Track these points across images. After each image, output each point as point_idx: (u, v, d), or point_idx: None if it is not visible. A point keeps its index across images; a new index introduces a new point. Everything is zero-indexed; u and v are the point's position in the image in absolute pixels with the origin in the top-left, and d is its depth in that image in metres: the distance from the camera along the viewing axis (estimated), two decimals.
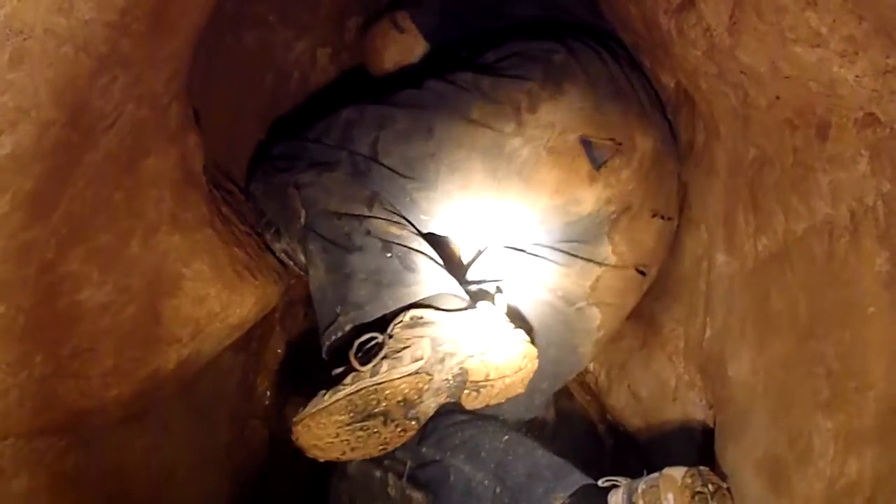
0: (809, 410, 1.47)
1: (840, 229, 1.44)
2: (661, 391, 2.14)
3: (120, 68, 1.43)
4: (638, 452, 2.38)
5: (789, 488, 1.50)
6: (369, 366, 1.68)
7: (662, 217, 2.09)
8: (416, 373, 1.69)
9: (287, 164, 2.14)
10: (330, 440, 1.69)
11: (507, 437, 1.97)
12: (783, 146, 1.55)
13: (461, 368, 1.74)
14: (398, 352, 1.72)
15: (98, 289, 1.62)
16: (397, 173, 2.00)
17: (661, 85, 2.20)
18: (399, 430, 1.74)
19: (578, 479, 1.80)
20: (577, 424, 2.74)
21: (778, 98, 1.50)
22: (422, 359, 1.70)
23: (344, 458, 1.75)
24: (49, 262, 1.51)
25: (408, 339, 1.74)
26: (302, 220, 2.01)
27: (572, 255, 2.06)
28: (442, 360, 1.72)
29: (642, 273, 2.11)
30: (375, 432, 1.71)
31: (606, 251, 2.05)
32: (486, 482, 1.88)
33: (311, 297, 2.03)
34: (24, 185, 1.38)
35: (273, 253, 2.21)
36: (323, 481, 2.71)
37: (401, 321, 1.77)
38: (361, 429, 1.70)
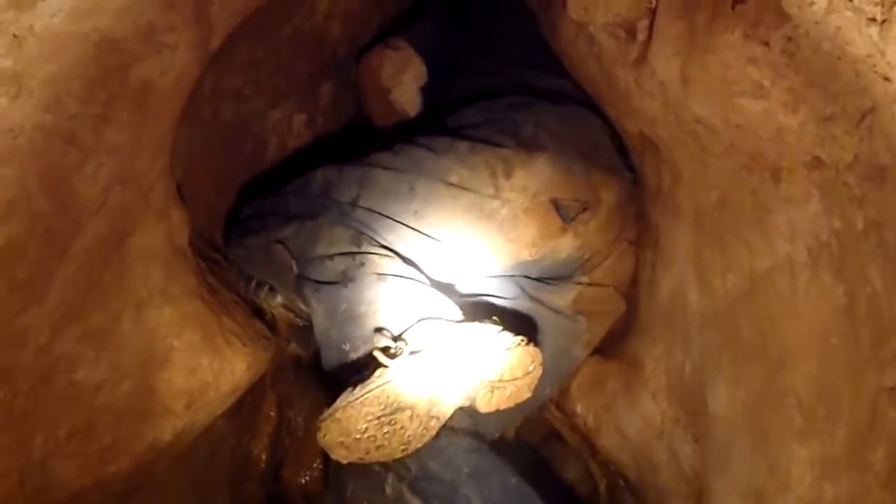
0: (785, 440, 1.53)
1: (800, 266, 1.51)
2: (648, 429, 2.19)
3: (105, 155, 1.50)
4: (630, 489, 2.42)
5: None
6: (395, 361, 1.76)
7: (629, 242, 2.35)
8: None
9: (261, 223, 2.21)
10: (357, 436, 1.73)
11: (514, 479, 2.08)
12: (741, 189, 1.63)
13: (478, 368, 1.80)
14: (418, 352, 1.79)
15: (93, 368, 1.67)
16: (381, 215, 2.11)
17: (626, 132, 2.30)
18: (422, 427, 1.79)
19: None
20: (572, 466, 2.78)
21: (732, 145, 1.58)
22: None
23: (367, 458, 1.78)
24: (44, 344, 1.56)
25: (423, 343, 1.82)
26: (294, 269, 2.09)
27: (553, 282, 2.27)
28: (457, 362, 1.78)
29: (617, 289, 2.36)
30: (401, 428, 1.76)
31: (581, 279, 2.29)
32: None
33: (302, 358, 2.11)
34: (17, 272, 1.44)
35: (262, 316, 2.25)
36: None
37: (414, 329, 1.86)
38: (389, 423, 1.74)
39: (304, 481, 2.77)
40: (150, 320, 1.77)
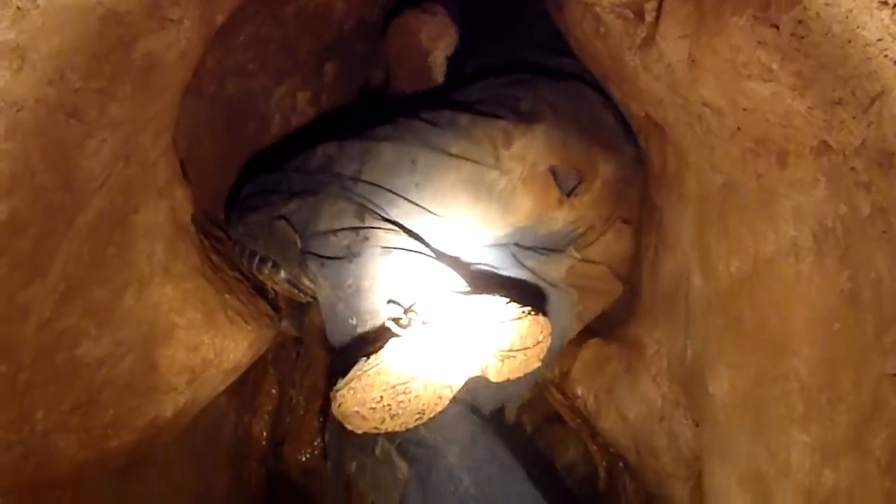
0: (786, 425, 1.53)
1: (805, 251, 1.51)
2: (648, 412, 2.19)
3: (109, 131, 1.49)
4: (629, 472, 2.43)
5: (770, 502, 1.55)
6: (408, 331, 1.77)
7: (625, 221, 2.38)
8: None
9: (263, 200, 2.22)
10: (372, 405, 1.74)
11: (505, 459, 2.12)
12: (747, 173, 1.62)
13: (488, 337, 1.80)
14: (430, 323, 1.80)
15: (95, 343, 1.67)
16: (383, 188, 2.12)
17: (632, 114, 2.29)
18: (436, 396, 1.80)
19: None
20: (572, 448, 2.79)
21: (739, 129, 1.57)
22: None
23: (382, 427, 1.79)
24: (47, 319, 1.56)
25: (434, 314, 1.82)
26: (298, 244, 2.09)
27: (546, 252, 2.32)
28: (471, 327, 1.79)
29: (610, 268, 2.38)
30: (415, 397, 1.77)
31: (574, 254, 2.33)
32: (469, 488, 2.02)
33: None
34: (21, 247, 1.44)
35: (265, 294, 2.25)
36: None
37: (424, 300, 1.86)
38: (404, 392, 1.75)
39: (304, 459, 2.78)
40: (152, 297, 1.78)
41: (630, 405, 2.24)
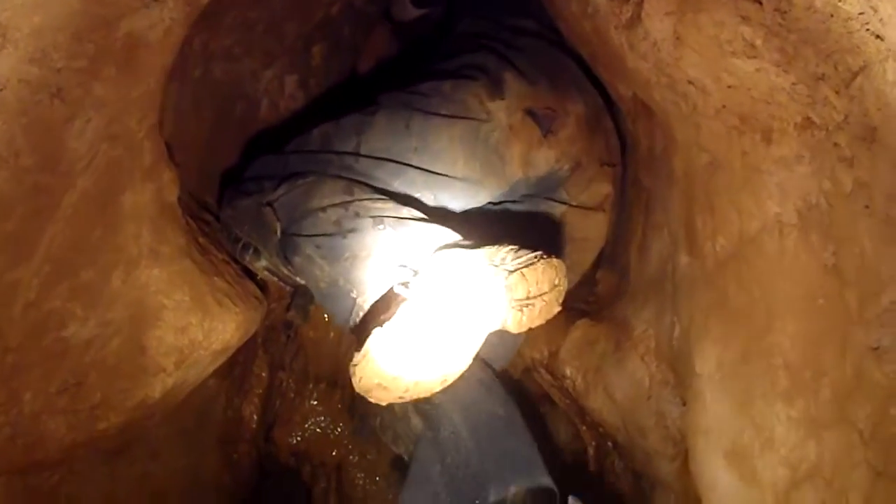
0: (771, 400, 1.54)
1: (789, 227, 1.52)
2: (636, 391, 2.20)
3: (93, 111, 1.49)
4: (618, 451, 2.45)
5: (756, 476, 1.56)
6: (420, 293, 1.74)
7: (610, 164, 2.44)
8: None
9: (256, 185, 2.21)
10: (394, 374, 1.71)
11: (505, 409, 2.19)
12: (732, 151, 1.62)
13: (502, 285, 1.78)
14: (440, 282, 1.77)
15: (82, 324, 1.67)
16: (384, 159, 2.16)
17: (620, 95, 2.30)
18: (457, 357, 1.78)
19: (541, 479, 1.99)
20: (561, 429, 2.81)
21: (724, 106, 1.57)
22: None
23: (406, 395, 1.77)
24: (33, 300, 1.56)
25: (443, 267, 1.80)
26: (278, 233, 2.08)
27: (539, 199, 2.39)
28: (483, 276, 1.77)
29: (602, 211, 2.45)
30: (435, 361, 1.75)
31: (564, 198, 2.39)
32: (467, 443, 2.09)
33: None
34: (5, 228, 1.43)
35: (253, 277, 2.26)
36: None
37: (431, 260, 1.85)
38: (425, 356, 1.72)
39: (294, 441, 2.79)
40: (139, 278, 1.77)
41: (618, 385, 2.25)
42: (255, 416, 2.67)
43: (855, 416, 1.36)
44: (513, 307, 1.79)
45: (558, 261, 1.83)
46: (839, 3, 1.14)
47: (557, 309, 1.88)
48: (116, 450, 1.98)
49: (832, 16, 1.17)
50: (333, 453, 2.82)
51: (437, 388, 1.81)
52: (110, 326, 1.72)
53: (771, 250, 1.58)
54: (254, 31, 2.57)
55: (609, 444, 2.48)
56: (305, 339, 2.80)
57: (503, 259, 1.79)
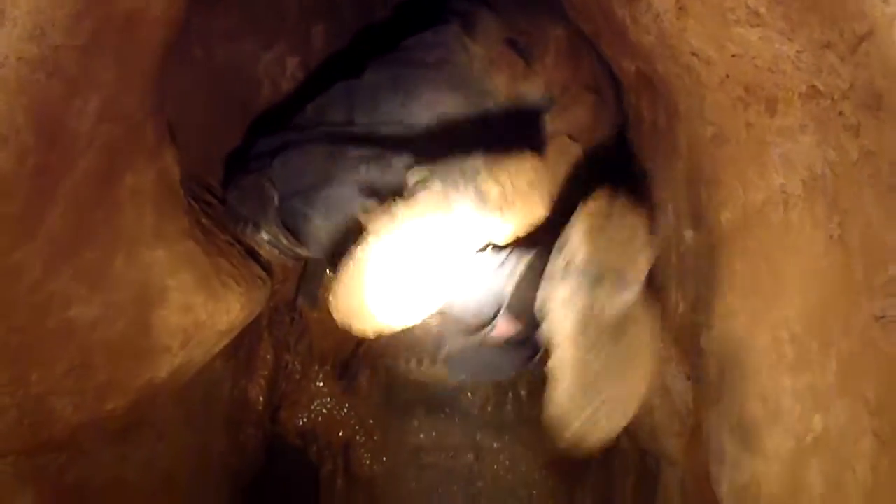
0: (777, 373, 1.54)
1: (794, 198, 1.50)
2: None
3: (92, 90, 1.48)
4: (624, 429, 2.44)
5: (762, 448, 1.56)
6: (387, 217, 1.74)
7: (592, 90, 2.43)
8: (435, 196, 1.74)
9: (257, 164, 2.24)
10: (369, 299, 1.70)
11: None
12: (737, 122, 1.61)
13: (476, 190, 1.78)
14: (412, 195, 1.77)
15: (87, 305, 1.67)
16: (377, 124, 2.18)
17: (623, 71, 2.28)
18: (434, 269, 1.76)
19: None
20: None
21: (728, 76, 1.55)
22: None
23: (389, 321, 1.75)
24: (37, 281, 1.56)
25: (415, 186, 1.80)
26: (276, 201, 2.12)
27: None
28: (456, 186, 1.77)
29: (574, 140, 2.37)
30: (414, 277, 1.73)
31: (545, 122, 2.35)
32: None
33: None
34: (7, 209, 1.43)
35: (258, 258, 2.26)
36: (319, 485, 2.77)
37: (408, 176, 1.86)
38: (400, 275, 1.71)
39: (301, 423, 2.81)
40: (143, 259, 1.77)
41: None
42: (261, 398, 2.68)
43: (861, 386, 1.36)
44: (489, 210, 1.76)
45: (533, 158, 1.82)
46: None
47: (542, 210, 1.85)
48: (124, 431, 1.98)
49: None
50: (340, 434, 2.83)
51: (424, 312, 1.78)
52: (115, 307, 1.72)
53: (776, 222, 1.56)
54: (254, 12, 2.56)
55: None
56: (310, 321, 2.81)
57: (474, 167, 1.77)
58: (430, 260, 1.73)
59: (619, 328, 1.71)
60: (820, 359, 1.45)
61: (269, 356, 2.68)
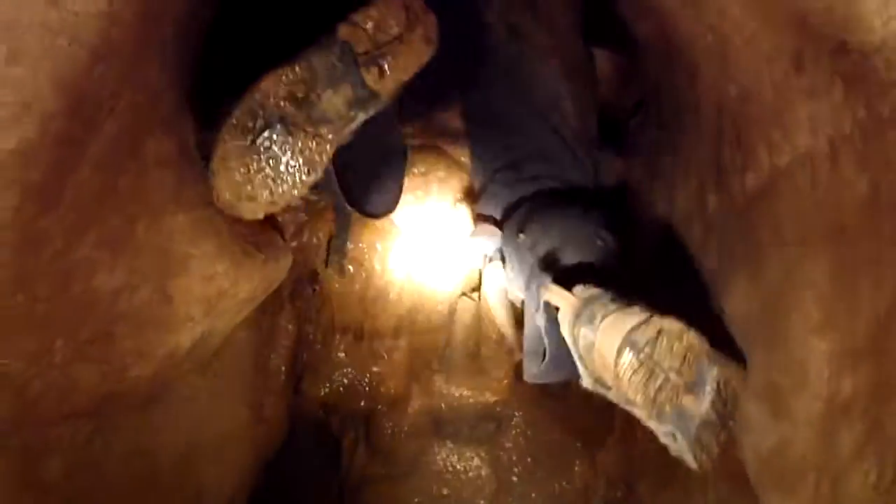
0: (803, 335, 1.52)
1: (821, 158, 1.48)
2: None
3: (113, 57, 1.47)
4: None
5: (789, 412, 1.55)
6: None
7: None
8: (287, 65, 1.57)
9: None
10: (244, 176, 1.60)
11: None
12: (762, 81, 1.58)
13: (339, 41, 1.61)
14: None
15: (110, 273, 1.67)
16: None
17: (642, 34, 2.25)
18: (314, 138, 1.62)
19: None
20: (585, 396, 2.81)
21: (754, 35, 1.53)
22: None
23: (275, 199, 1.65)
24: (61, 249, 1.56)
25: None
26: None
27: None
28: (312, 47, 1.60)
29: None
30: (288, 146, 1.60)
31: None
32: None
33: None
34: (31, 177, 1.43)
35: (280, 225, 2.25)
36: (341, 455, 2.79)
37: None
38: (267, 145, 1.58)
39: (323, 393, 2.82)
40: (164, 227, 1.77)
41: None
42: (283, 369, 2.70)
43: (890, 345, 1.34)
44: (361, 63, 1.61)
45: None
46: None
47: (426, 55, 1.70)
48: (148, 400, 1.99)
49: None
50: (362, 404, 2.85)
51: (305, 183, 1.65)
52: (138, 275, 1.72)
53: (803, 183, 1.54)
54: None
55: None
56: (331, 292, 2.82)
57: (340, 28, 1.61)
58: (297, 111, 1.61)
59: None
60: (848, 319, 1.44)
61: (290, 327, 2.69)
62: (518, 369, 2.92)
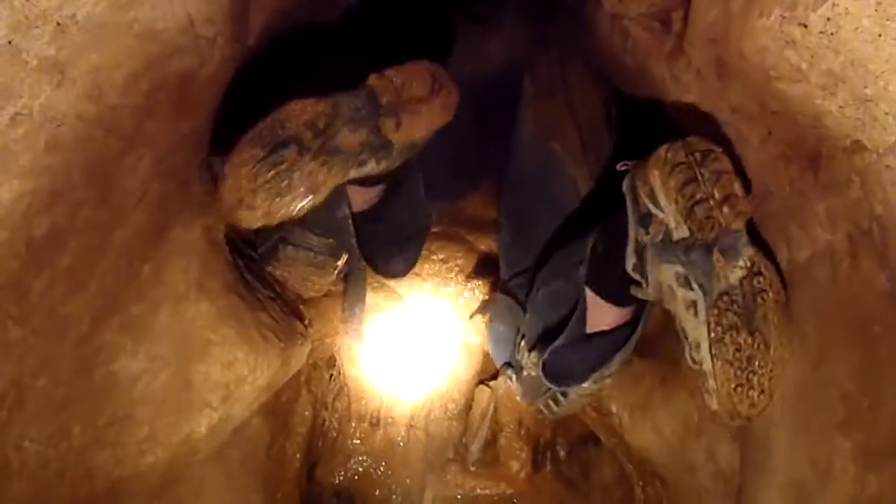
0: (827, 432, 1.50)
1: (840, 254, 1.49)
2: (685, 427, 2.16)
3: (145, 147, 1.52)
4: (667, 491, 2.39)
5: None
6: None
7: None
8: (315, 98, 1.63)
9: None
10: (250, 186, 1.60)
11: None
12: (779, 178, 1.61)
13: (368, 87, 1.67)
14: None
15: (132, 358, 1.69)
16: None
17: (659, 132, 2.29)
18: (323, 165, 1.64)
19: None
20: (607, 468, 2.77)
21: (770, 133, 1.56)
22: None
23: (272, 211, 1.63)
24: (85, 334, 1.59)
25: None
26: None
27: None
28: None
29: None
30: (297, 165, 1.61)
31: None
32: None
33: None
34: (60, 262, 1.46)
35: (299, 314, 2.27)
36: None
37: None
38: (279, 161, 1.59)
39: (337, 481, 2.79)
40: (187, 313, 1.79)
41: (666, 421, 2.21)
42: (298, 456, 2.67)
43: None
44: (383, 113, 1.67)
45: (430, 64, 1.71)
46: (888, 22, 1.13)
47: (445, 118, 1.75)
48: (162, 486, 1.97)
49: (881, 35, 1.16)
50: (377, 493, 2.81)
51: (304, 202, 1.65)
52: (158, 360, 1.74)
53: (822, 279, 1.55)
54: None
55: (657, 482, 2.43)
56: (348, 378, 2.81)
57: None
58: (313, 138, 1.64)
59: None
60: (872, 417, 1.42)
61: (307, 413, 2.68)
62: (536, 459, 2.88)
